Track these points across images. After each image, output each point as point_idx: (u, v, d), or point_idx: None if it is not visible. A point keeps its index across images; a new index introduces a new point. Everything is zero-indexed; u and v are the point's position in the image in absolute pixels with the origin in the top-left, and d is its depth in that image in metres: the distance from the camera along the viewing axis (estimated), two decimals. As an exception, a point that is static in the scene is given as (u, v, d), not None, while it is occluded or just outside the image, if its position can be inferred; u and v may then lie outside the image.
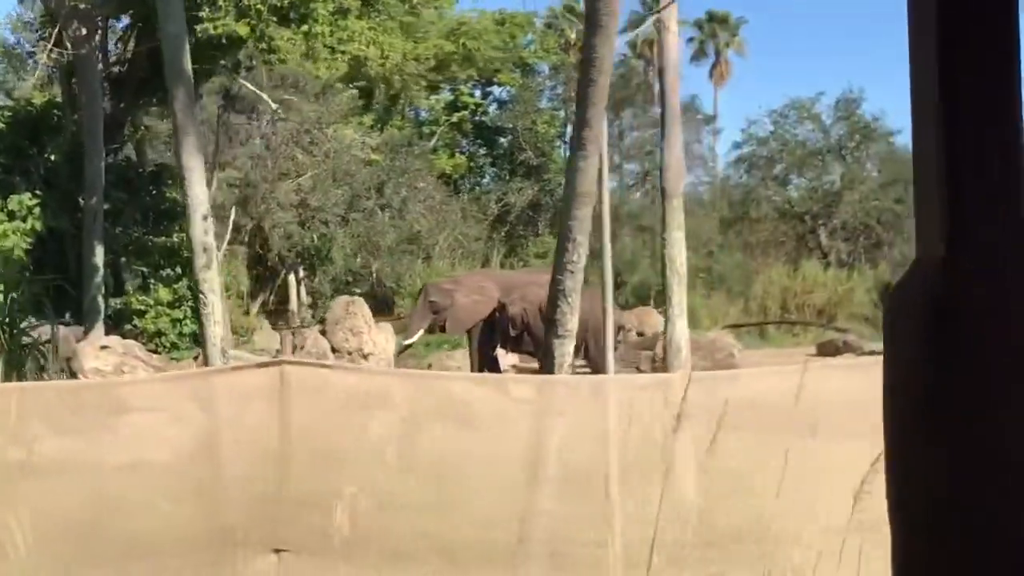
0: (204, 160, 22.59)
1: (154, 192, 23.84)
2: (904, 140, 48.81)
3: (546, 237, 40.11)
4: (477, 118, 44.79)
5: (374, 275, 34.03)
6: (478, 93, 47.20)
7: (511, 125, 42.62)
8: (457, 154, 45.68)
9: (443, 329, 20.81)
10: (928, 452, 1.17)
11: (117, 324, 21.47)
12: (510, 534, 6.64)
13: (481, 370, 19.98)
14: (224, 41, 19.23)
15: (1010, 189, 1.20)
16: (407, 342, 21.23)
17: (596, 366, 20.45)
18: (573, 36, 54.04)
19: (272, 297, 34.71)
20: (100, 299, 20.81)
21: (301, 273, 35.92)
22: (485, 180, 45.86)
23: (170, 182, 22.39)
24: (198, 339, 20.37)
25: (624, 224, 40.08)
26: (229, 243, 33.19)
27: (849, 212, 45.42)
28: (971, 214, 1.19)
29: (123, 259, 22.87)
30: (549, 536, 6.68)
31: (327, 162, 33.13)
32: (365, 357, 20.03)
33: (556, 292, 10.88)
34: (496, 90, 46.39)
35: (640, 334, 26.02)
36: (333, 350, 20.18)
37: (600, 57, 11.07)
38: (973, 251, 1.17)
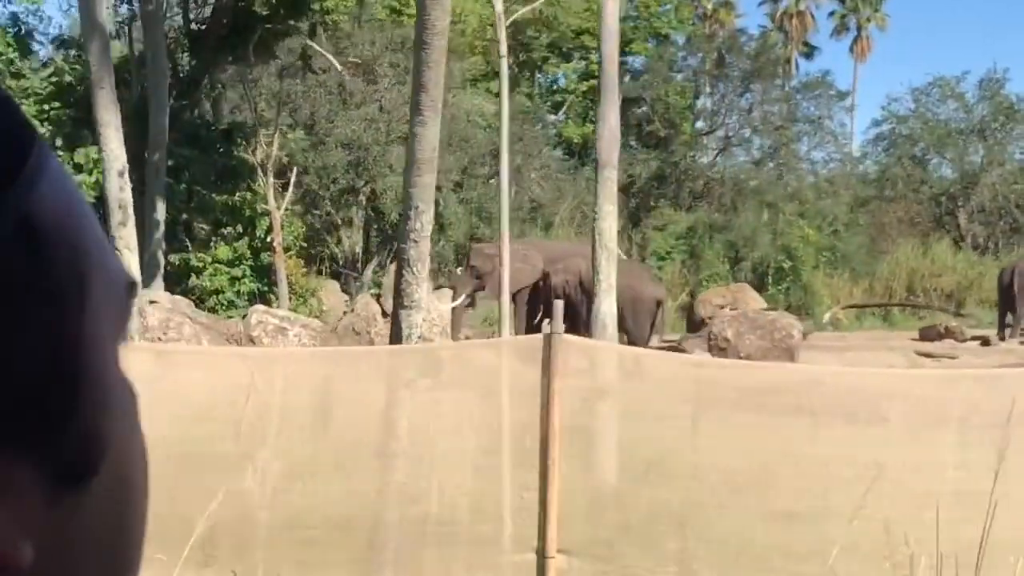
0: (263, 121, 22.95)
1: (221, 150, 24.26)
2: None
3: (665, 209, 39.83)
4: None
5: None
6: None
7: (641, 96, 42.27)
8: (584, 124, 45.55)
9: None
10: None
11: (177, 281, 21.91)
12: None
13: None
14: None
15: None
16: (451, 305, 21.21)
17: (633, 338, 20.30)
18: (709, 6, 53.53)
19: (390, 261, 35.10)
20: (160, 255, 21.24)
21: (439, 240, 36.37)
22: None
23: (241, 141, 22.74)
24: (257, 298, 20.81)
25: (748, 199, 39.56)
26: (345, 205, 33.76)
27: (988, 195, 44.15)
28: None
29: (184, 216, 23.28)
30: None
31: (444, 128, 33.35)
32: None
33: (400, 262, 10.65)
34: (631, 60, 46.07)
35: (734, 310, 25.64)
36: (384, 314, 20.33)
37: (432, 19, 10.65)
38: None
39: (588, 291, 19.50)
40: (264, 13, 19.12)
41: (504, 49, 16.44)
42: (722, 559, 6.58)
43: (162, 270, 21.07)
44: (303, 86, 31.44)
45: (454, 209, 33.50)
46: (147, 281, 19.92)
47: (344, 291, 29.79)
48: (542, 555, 6.30)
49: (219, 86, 22.12)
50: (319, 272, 32.17)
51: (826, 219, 40.66)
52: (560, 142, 46.38)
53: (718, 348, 20.21)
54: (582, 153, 46.16)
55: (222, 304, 22.11)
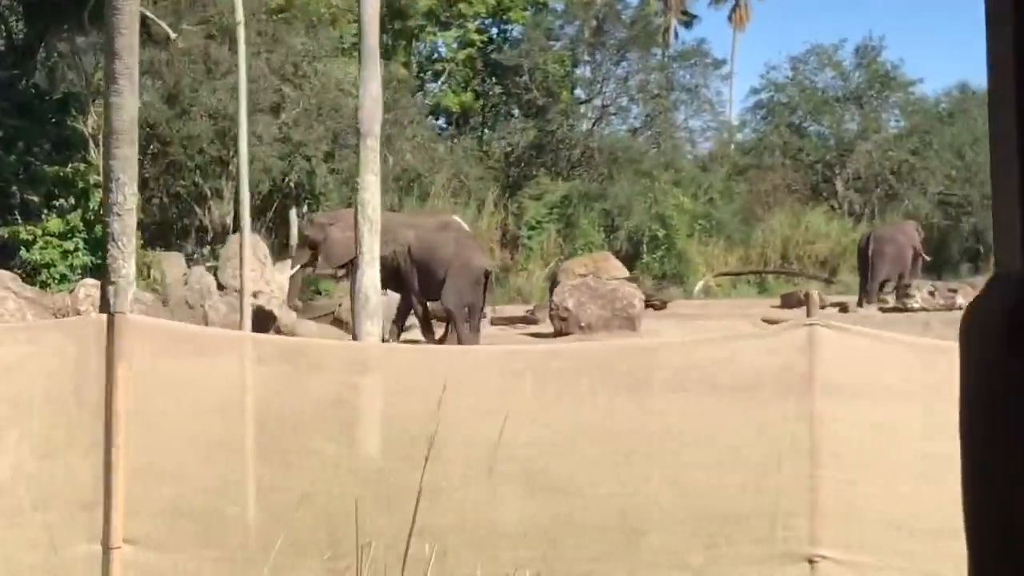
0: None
1: (54, 120, 23.62)
2: (922, 90, 48.10)
3: (542, 179, 39.74)
4: (493, 56, 44.26)
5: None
6: (495, 31, 46.76)
7: (519, 64, 42.09)
8: (463, 93, 45.32)
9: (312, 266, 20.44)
10: (1001, 468, 1.11)
11: (10, 255, 21.35)
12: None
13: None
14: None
15: None
16: (288, 275, 20.91)
17: (454, 308, 20.18)
18: (588, -25, 53.43)
19: (271, 233, 34.63)
20: None
21: (305, 209, 35.92)
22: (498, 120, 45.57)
23: (76, 111, 22.13)
24: (91, 272, 20.25)
25: (623, 168, 39.61)
26: (213, 176, 33.25)
27: (864, 162, 44.71)
28: None
29: (15, 188, 22.67)
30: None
31: (314, 97, 32.92)
32: (253, 295, 19.86)
33: (106, 236, 10.31)
34: (510, 28, 45.87)
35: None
36: (220, 287, 20.05)
37: None
38: None
39: (418, 261, 19.38)
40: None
41: (240, 15, 15.87)
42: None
43: (-9, 243, 20.50)
44: (167, 54, 30.85)
45: (324, 179, 33.09)
46: (-26, 255, 19.40)
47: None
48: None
49: (55, 54, 21.45)
50: (182, 244, 31.70)
51: (701, 187, 40.87)
52: (439, 111, 46.09)
53: (559, 318, 20.19)
54: (460, 122, 45.98)
55: (54, 278, 21.50)
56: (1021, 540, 1.09)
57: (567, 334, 19.85)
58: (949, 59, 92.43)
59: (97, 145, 21.90)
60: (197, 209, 33.94)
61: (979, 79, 44.24)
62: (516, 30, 44.97)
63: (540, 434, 6.15)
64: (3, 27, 26.04)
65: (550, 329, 20.69)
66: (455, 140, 44.86)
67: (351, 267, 20.03)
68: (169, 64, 31.15)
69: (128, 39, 9.94)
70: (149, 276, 21.49)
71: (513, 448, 6.02)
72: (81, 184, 22.65)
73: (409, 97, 37.13)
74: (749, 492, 5.95)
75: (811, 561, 5.86)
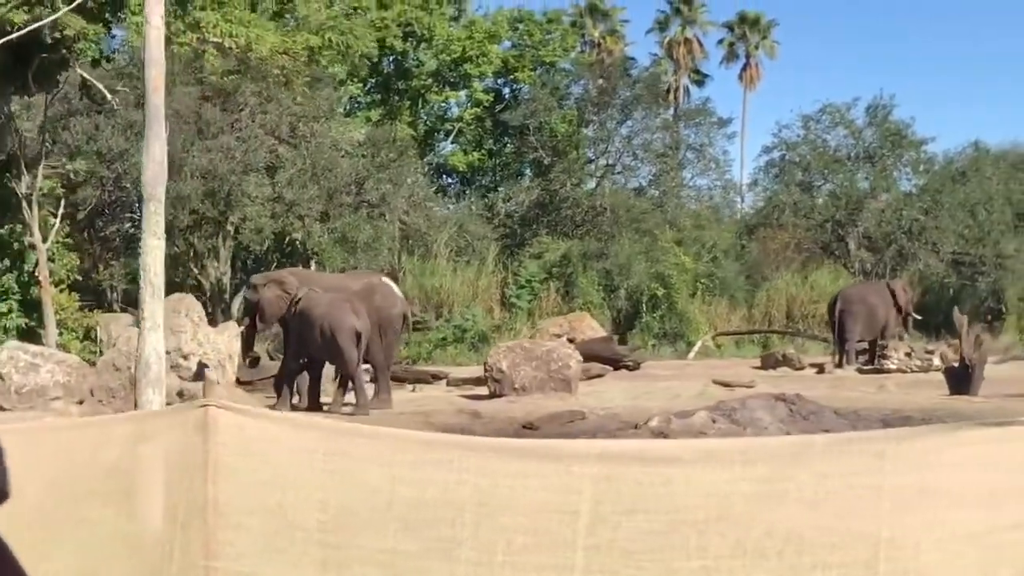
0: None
1: None
2: (934, 149, 47.73)
3: (543, 238, 39.73)
4: (500, 116, 44.48)
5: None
6: (507, 91, 47.05)
7: (526, 123, 42.26)
8: (472, 152, 45.61)
9: (254, 326, 20.30)
10: None
11: None
12: None
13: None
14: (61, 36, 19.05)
15: None
16: (232, 336, 20.81)
17: (378, 366, 20.09)
18: (596, 34, 53.74)
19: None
20: None
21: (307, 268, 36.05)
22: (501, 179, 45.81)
23: (10, 173, 22.27)
24: (25, 334, 20.28)
25: (624, 227, 39.54)
26: (204, 235, 33.43)
27: (875, 221, 44.31)
28: None
29: None
30: None
31: (308, 156, 33.12)
32: (185, 357, 19.88)
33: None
34: (520, 87, 46.14)
35: (571, 340, 25.54)
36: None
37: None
38: None
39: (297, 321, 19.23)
40: (49, 43, 18.81)
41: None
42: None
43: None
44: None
45: (317, 239, 33.19)
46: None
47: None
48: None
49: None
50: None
51: (705, 246, 40.69)
52: (447, 170, 46.40)
53: (493, 379, 20.06)
54: (467, 180, 46.22)
55: None
56: None
57: (501, 395, 19.73)
58: (962, 118, 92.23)
59: (30, 206, 22.07)
60: (193, 268, 34.17)
61: (992, 137, 44.00)
62: (524, 89, 45.20)
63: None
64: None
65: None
66: (461, 199, 45.07)
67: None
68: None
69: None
70: (88, 338, 21.62)
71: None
72: (17, 246, 22.83)
73: (408, 156, 37.24)
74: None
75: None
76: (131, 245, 32.71)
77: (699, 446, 3.48)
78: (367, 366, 20.12)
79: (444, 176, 46.99)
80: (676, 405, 16.60)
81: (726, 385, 21.13)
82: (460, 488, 3.97)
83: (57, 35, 18.37)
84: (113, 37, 22.84)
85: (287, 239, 34.18)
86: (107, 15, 19.85)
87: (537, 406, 17.87)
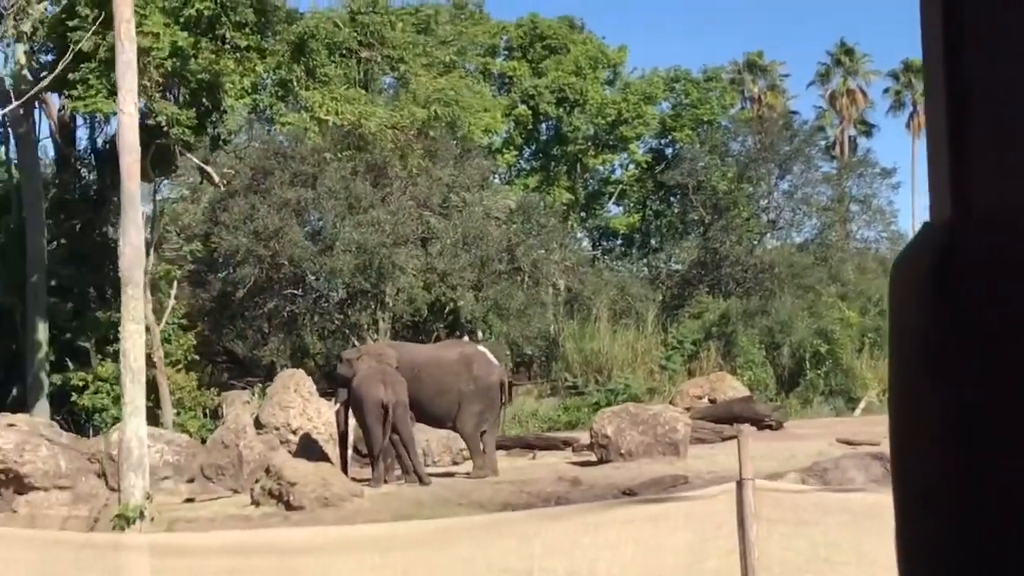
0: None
1: (111, 267, 24.22)
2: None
3: (703, 297, 39.27)
4: (660, 177, 44.28)
5: (504, 340, 34.00)
6: (669, 151, 46.84)
7: (685, 183, 42.03)
8: (633, 213, 45.51)
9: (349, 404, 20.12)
10: (929, 410, 1.07)
11: (61, 402, 21.82)
12: None
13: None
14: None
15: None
16: (332, 412, 20.71)
17: (467, 435, 20.00)
18: (755, 90, 53.11)
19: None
20: (44, 376, 21.26)
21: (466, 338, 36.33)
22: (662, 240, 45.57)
23: None
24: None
25: (786, 283, 38.84)
26: (358, 309, 33.95)
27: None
28: (978, 170, 1.08)
29: (68, 335, 23.32)
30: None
31: (459, 226, 33.48)
32: (294, 432, 19.90)
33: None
34: (680, 146, 45.86)
35: (712, 401, 25.08)
36: (259, 424, 20.05)
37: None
38: (980, 210, 1.07)
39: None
40: (165, 128, 19.43)
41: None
42: None
43: (45, 391, 21.11)
44: (313, 194, 32.00)
45: (471, 308, 33.43)
46: (32, 403, 20.00)
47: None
48: None
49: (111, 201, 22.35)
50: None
51: (871, 299, 39.62)
52: (610, 233, 46.34)
53: (599, 445, 19.74)
54: (630, 242, 46.04)
55: (106, 422, 21.97)
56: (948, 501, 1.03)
57: (608, 461, 19.41)
58: None
59: (144, 290, 22.59)
60: (354, 340, 34.71)
61: None
62: (684, 148, 44.93)
63: None
64: (77, 178, 27.33)
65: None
66: (623, 260, 44.94)
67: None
68: (315, 203, 32.27)
69: None
70: (209, 416, 21.94)
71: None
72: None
73: (559, 221, 37.37)
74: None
75: None
76: (291, 321, 33.48)
77: (336, 534, 3.35)
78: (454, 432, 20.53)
79: (608, 239, 46.94)
80: (788, 465, 16.09)
81: (849, 444, 20.41)
82: None
83: (151, 122, 19.00)
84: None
85: (447, 308, 34.53)
86: (203, 99, 20.46)
87: (642, 471, 17.57)
